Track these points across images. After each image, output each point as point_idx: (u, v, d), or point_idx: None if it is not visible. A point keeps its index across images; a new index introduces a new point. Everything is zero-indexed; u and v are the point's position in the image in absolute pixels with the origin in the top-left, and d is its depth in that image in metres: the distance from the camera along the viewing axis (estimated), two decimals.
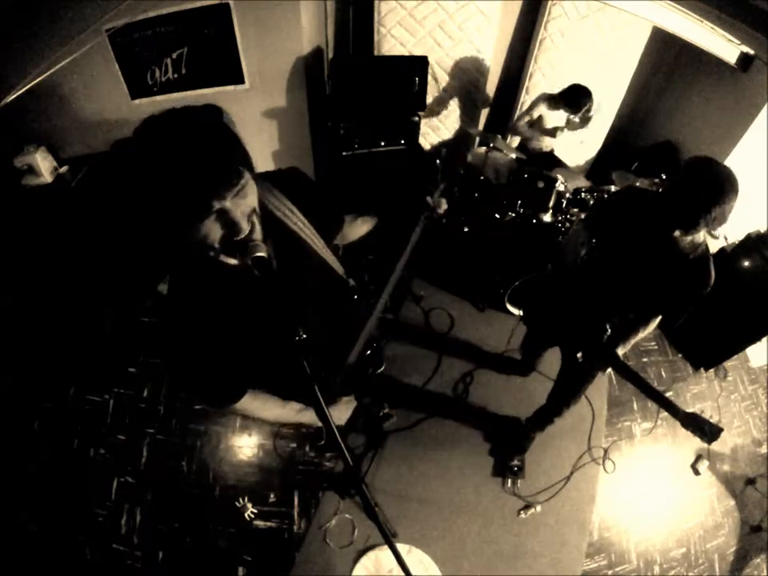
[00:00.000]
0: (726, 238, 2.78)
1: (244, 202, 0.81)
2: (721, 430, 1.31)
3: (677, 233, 1.33)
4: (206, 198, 0.74)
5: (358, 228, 1.40)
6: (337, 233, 1.27)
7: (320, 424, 1.16)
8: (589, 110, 2.77)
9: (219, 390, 1.03)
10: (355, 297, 1.27)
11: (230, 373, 1.00)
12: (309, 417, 1.15)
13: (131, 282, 2.66)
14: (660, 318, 1.60)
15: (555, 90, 2.82)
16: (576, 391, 1.94)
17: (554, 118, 2.87)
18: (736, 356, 2.79)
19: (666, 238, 1.38)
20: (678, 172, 1.32)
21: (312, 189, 1.20)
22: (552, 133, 2.94)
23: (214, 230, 0.79)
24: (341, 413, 1.23)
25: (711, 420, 1.33)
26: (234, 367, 0.99)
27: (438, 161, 2.61)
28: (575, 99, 2.71)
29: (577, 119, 2.85)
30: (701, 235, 1.39)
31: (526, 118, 2.91)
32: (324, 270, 1.16)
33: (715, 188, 1.25)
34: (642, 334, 1.65)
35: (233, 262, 0.91)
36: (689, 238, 1.37)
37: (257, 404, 1.09)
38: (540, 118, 2.89)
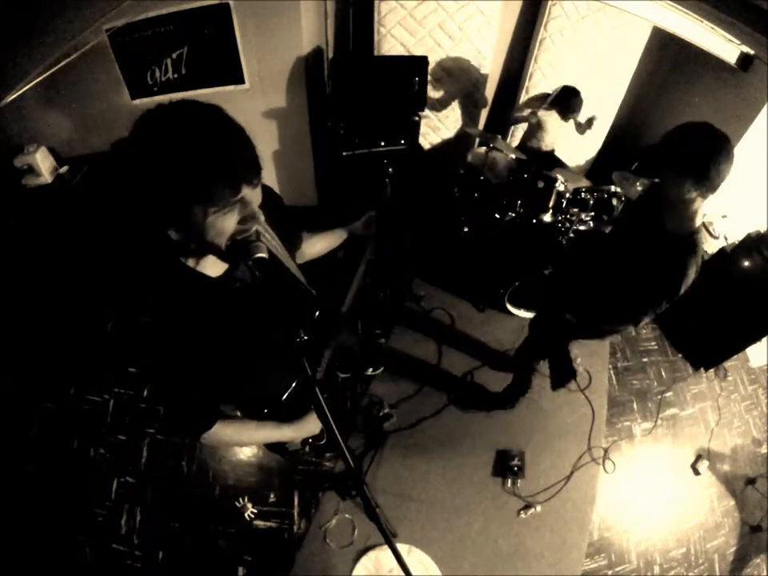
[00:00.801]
0: (726, 238, 2.78)
1: (258, 195, 0.81)
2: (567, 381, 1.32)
3: (669, 184, 1.31)
4: (240, 179, 0.74)
5: (315, 245, 1.41)
6: (296, 249, 1.27)
7: (299, 440, 1.21)
8: (576, 111, 2.79)
9: (191, 416, 0.99)
10: (318, 308, 1.26)
11: (202, 397, 0.97)
12: (285, 433, 1.14)
13: (131, 281, 2.66)
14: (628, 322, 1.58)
15: (554, 92, 2.83)
16: (531, 354, 2.04)
17: (554, 120, 2.88)
18: (736, 356, 2.79)
19: (657, 211, 1.36)
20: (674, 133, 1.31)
21: (277, 203, 1.15)
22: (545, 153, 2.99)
23: (231, 220, 0.77)
24: (313, 423, 1.17)
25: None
26: (207, 391, 0.96)
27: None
28: (566, 102, 2.74)
29: (578, 120, 2.86)
30: (696, 217, 1.34)
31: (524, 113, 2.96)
32: (291, 280, 1.15)
33: (709, 145, 1.24)
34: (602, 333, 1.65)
35: (215, 272, 0.92)
36: (681, 214, 1.33)
37: (231, 430, 1.05)
38: (539, 119, 2.90)
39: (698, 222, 1.36)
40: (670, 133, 1.30)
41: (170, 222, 0.78)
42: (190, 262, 0.90)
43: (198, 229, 0.76)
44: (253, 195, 0.78)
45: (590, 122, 2.83)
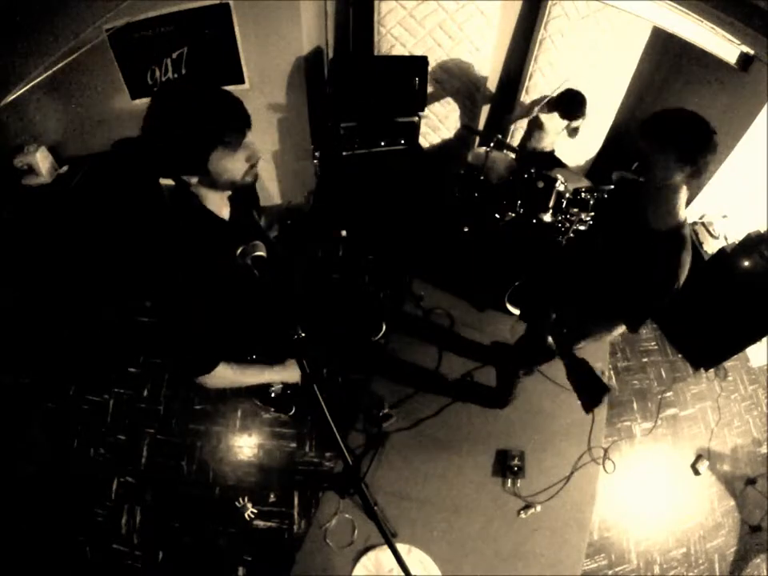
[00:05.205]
0: (726, 238, 2.78)
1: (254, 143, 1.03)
2: (600, 399, 1.34)
3: (656, 165, 1.27)
4: (243, 123, 0.99)
5: None
6: None
7: (279, 383, 1.36)
8: (578, 115, 2.77)
9: (196, 359, 1.11)
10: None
11: (209, 338, 1.10)
12: (272, 375, 1.30)
13: (131, 281, 2.66)
14: (619, 324, 1.54)
15: (554, 92, 2.82)
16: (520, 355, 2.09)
17: (554, 121, 2.88)
18: (736, 356, 2.79)
19: (642, 208, 1.34)
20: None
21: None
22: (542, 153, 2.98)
23: (240, 161, 1.00)
24: (295, 369, 1.31)
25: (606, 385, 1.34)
26: (214, 332, 1.09)
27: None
28: (571, 107, 2.72)
29: (573, 125, 2.84)
30: (680, 209, 1.29)
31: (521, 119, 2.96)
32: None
33: (699, 129, 1.23)
34: (595, 337, 1.62)
35: (224, 214, 1.12)
36: (665, 205, 1.29)
37: (231, 371, 1.18)
38: (538, 119, 2.90)
39: (682, 216, 1.31)
40: (659, 116, 1.30)
41: (192, 168, 0.97)
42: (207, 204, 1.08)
43: (216, 171, 0.97)
44: (251, 140, 1.01)
45: (575, 130, 2.85)
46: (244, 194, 1.22)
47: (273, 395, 1.46)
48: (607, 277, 1.52)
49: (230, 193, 1.12)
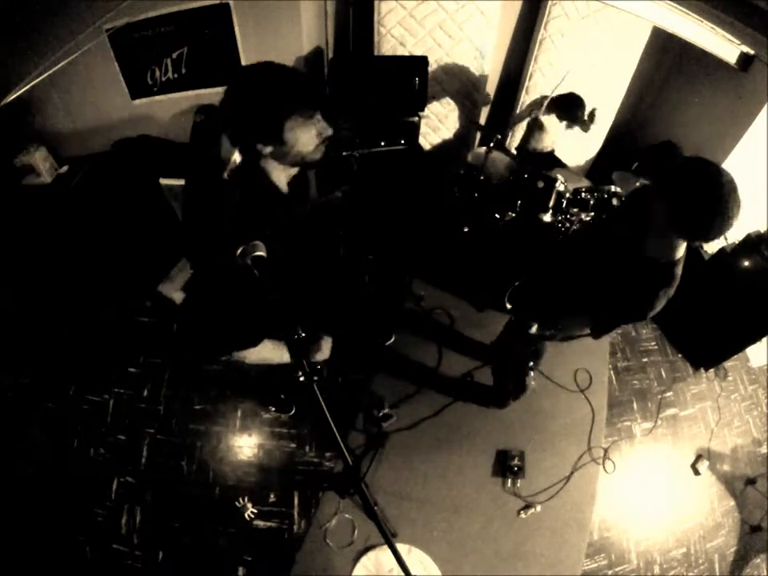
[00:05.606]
0: (726, 238, 2.78)
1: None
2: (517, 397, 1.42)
3: (655, 209, 1.21)
4: (316, 97, 1.11)
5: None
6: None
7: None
8: (584, 119, 2.76)
9: (246, 332, 1.21)
10: None
11: (258, 317, 1.18)
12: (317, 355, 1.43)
13: (131, 282, 2.67)
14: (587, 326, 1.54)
15: (554, 91, 2.82)
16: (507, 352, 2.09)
17: (554, 121, 2.88)
18: (736, 356, 2.79)
19: (641, 238, 1.29)
20: (683, 172, 1.20)
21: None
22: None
23: (312, 132, 1.10)
24: (323, 350, 1.44)
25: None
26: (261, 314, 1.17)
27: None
28: (568, 108, 2.72)
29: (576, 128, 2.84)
30: (680, 247, 1.26)
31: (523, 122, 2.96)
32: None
33: (737, 205, 1.18)
34: (561, 330, 1.63)
35: (283, 188, 1.20)
36: (663, 239, 1.25)
37: (270, 346, 1.28)
38: (538, 119, 2.90)
39: (680, 253, 1.27)
40: (674, 168, 1.20)
41: (269, 134, 1.05)
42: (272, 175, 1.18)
43: (290, 139, 1.06)
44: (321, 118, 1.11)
45: (591, 116, 2.78)
46: (302, 180, 1.30)
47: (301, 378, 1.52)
48: (594, 280, 1.51)
49: (295, 171, 1.20)
